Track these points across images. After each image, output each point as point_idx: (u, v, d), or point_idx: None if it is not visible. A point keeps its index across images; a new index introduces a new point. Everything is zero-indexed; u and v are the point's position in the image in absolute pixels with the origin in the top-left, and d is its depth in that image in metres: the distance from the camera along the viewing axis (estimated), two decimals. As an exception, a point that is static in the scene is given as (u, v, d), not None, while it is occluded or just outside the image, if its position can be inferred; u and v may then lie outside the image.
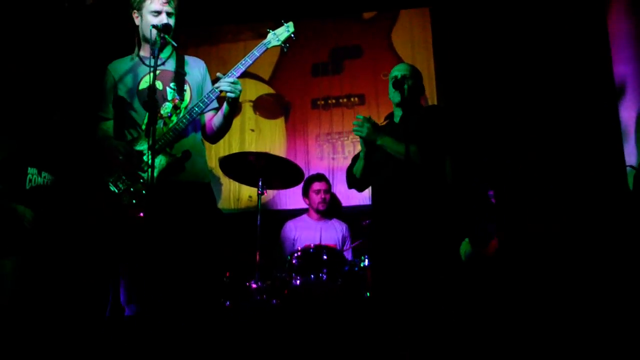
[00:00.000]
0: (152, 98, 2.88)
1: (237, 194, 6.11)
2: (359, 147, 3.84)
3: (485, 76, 5.53)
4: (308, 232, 5.30)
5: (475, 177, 4.69)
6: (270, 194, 5.97)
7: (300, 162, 5.77)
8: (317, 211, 5.38)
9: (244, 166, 4.60)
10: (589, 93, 5.00)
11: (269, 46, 3.28)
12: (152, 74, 2.89)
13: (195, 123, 3.23)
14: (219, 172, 5.45)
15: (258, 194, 4.58)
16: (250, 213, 5.50)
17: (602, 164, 4.82)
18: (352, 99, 6.16)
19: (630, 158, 4.80)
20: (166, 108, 3.17)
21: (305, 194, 5.45)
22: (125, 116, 3.20)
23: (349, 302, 4.27)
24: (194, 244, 3.08)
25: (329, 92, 6.21)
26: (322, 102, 6.21)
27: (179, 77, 3.23)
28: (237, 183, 5.75)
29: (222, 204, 6.06)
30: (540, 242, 4.32)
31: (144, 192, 2.99)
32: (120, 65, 3.29)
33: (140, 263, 2.85)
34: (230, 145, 6.18)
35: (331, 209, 5.49)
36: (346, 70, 6.25)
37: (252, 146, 6.19)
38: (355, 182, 3.96)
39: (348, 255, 5.20)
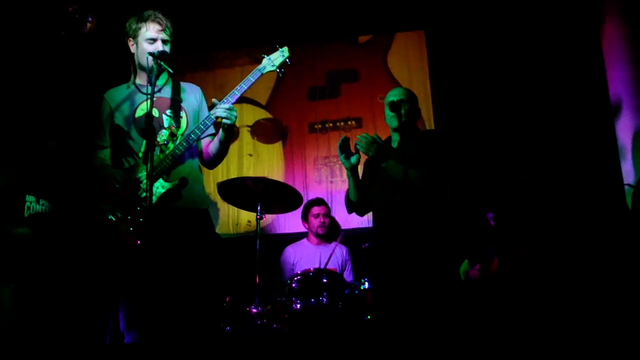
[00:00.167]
0: (149, 125, 2.88)
1: (235, 218, 6.10)
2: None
3: (481, 97, 5.56)
4: (308, 257, 5.29)
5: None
6: (269, 218, 5.95)
7: (298, 186, 5.78)
8: (317, 235, 5.37)
9: (243, 191, 4.60)
10: (585, 113, 5.02)
11: (264, 71, 3.30)
12: (148, 102, 2.90)
13: (192, 149, 3.24)
14: (217, 197, 5.45)
15: (257, 219, 4.58)
16: (249, 238, 5.48)
17: (600, 183, 4.82)
18: (349, 122, 6.17)
19: (628, 177, 4.80)
20: (163, 135, 3.18)
21: (305, 218, 5.45)
22: (123, 144, 3.21)
23: (350, 325, 4.25)
24: (193, 270, 3.07)
25: (326, 116, 6.23)
26: (320, 126, 6.22)
27: (175, 104, 3.24)
28: (235, 208, 5.75)
29: (220, 229, 6.05)
30: (538, 263, 4.31)
31: (141, 219, 2.99)
32: (117, 94, 3.30)
33: (140, 290, 2.84)
34: (228, 170, 6.18)
35: (330, 232, 5.48)
36: (343, 94, 6.26)
37: (250, 171, 6.19)
38: (353, 206, 3.96)
39: (349, 276, 5.19)
